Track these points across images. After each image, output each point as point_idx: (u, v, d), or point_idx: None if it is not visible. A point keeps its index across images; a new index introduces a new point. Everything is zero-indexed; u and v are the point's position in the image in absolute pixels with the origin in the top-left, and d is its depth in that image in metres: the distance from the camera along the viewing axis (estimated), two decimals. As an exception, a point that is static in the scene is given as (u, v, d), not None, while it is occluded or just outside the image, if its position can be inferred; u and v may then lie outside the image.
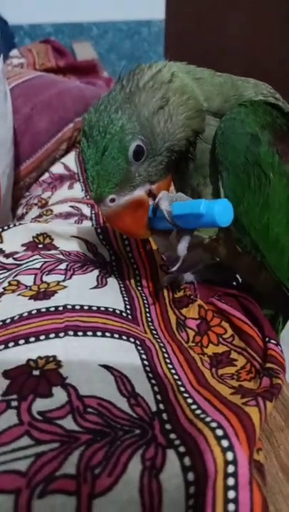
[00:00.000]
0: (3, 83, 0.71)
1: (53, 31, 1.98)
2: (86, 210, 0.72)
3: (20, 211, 0.84)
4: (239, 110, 0.42)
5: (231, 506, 0.29)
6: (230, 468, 0.29)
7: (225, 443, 0.29)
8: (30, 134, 0.84)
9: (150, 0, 2.08)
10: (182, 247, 0.43)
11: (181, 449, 0.29)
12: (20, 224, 0.57)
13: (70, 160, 0.91)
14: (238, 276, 0.56)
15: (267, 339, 0.44)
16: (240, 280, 0.56)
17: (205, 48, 2.26)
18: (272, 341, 0.44)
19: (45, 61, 1.40)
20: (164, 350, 0.42)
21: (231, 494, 0.29)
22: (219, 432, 0.30)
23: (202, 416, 0.32)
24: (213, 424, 0.31)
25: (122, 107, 0.38)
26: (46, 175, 0.89)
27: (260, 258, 0.46)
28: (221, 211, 0.36)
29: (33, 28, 1.97)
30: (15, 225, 0.57)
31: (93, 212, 0.72)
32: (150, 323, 0.46)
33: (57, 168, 0.89)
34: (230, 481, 0.29)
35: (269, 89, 0.47)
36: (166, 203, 0.41)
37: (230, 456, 0.29)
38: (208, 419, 0.32)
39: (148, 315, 0.48)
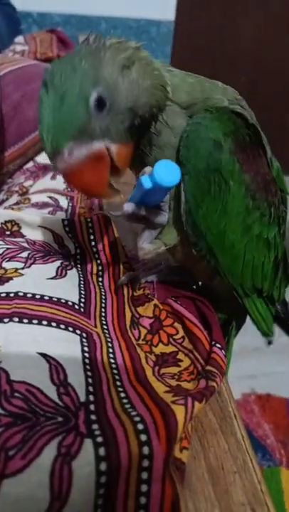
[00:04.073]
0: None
1: (61, 21, 1.99)
2: (63, 202, 0.73)
3: (0, 197, 0.84)
4: (204, 116, 0.42)
5: (143, 499, 0.30)
6: (145, 463, 0.30)
7: (143, 437, 0.30)
8: (18, 121, 0.84)
9: (162, 0, 2.08)
10: (129, 206, 0.43)
11: (99, 439, 0.30)
12: (-10, 209, 0.58)
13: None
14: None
15: (213, 343, 0.45)
16: (200, 283, 0.56)
17: (213, 53, 2.27)
18: (217, 345, 0.45)
19: (48, 51, 1.40)
20: (110, 345, 0.43)
21: (144, 488, 0.30)
22: (140, 426, 0.31)
23: (129, 410, 0.33)
24: (137, 419, 0.32)
25: (86, 57, 0.37)
26: (31, 163, 0.89)
27: (214, 263, 0.47)
28: (162, 172, 0.38)
29: (42, 16, 1.97)
30: (-16, 210, 0.58)
31: (70, 204, 0.73)
32: (103, 318, 0.47)
33: (42, 158, 0.89)
34: (144, 475, 0.30)
35: (236, 95, 0.48)
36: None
37: (146, 450, 0.30)
38: (133, 413, 0.33)
39: (103, 310, 0.49)
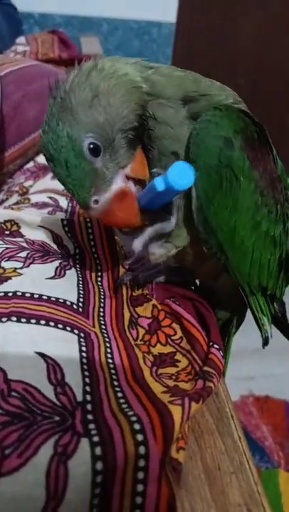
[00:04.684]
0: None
1: (62, 22, 1.98)
2: (63, 203, 0.73)
3: (0, 197, 0.84)
4: (214, 113, 0.43)
5: (139, 499, 0.30)
6: (141, 463, 0.30)
7: (139, 437, 0.30)
8: (19, 122, 0.85)
9: (163, 1, 2.08)
10: (138, 243, 0.44)
11: (96, 438, 0.30)
12: (-11, 209, 0.58)
13: (57, 151, 0.91)
14: (196, 280, 0.57)
15: (211, 343, 0.45)
16: (198, 283, 0.56)
17: (213, 54, 2.27)
18: (215, 346, 0.45)
19: (49, 51, 1.40)
20: (108, 345, 0.43)
21: (140, 488, 0.30)
22: (136, 426, 0.31)
23: (126, 410, 0.33)
24: (133, 418, 0.32)
25: (59, 117, 0.40)
26: (31, 163, 0.89)
27: (224, 260, 0.47)
28: (176, 175, 0.38)
29: (43, 17, 1.97)
30: (-16, 210, 0.58)
31: (70, 204, 0.73)
32: (101, 318, 0.47)
33: (42, 158, 0.89)
34: (140, 475, 0.30)
35: (236, 96, 0.48)
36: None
37: (142, 450, 0.30)
38: (130, 413, 0.33)
39: (101, 310, 0.49)
